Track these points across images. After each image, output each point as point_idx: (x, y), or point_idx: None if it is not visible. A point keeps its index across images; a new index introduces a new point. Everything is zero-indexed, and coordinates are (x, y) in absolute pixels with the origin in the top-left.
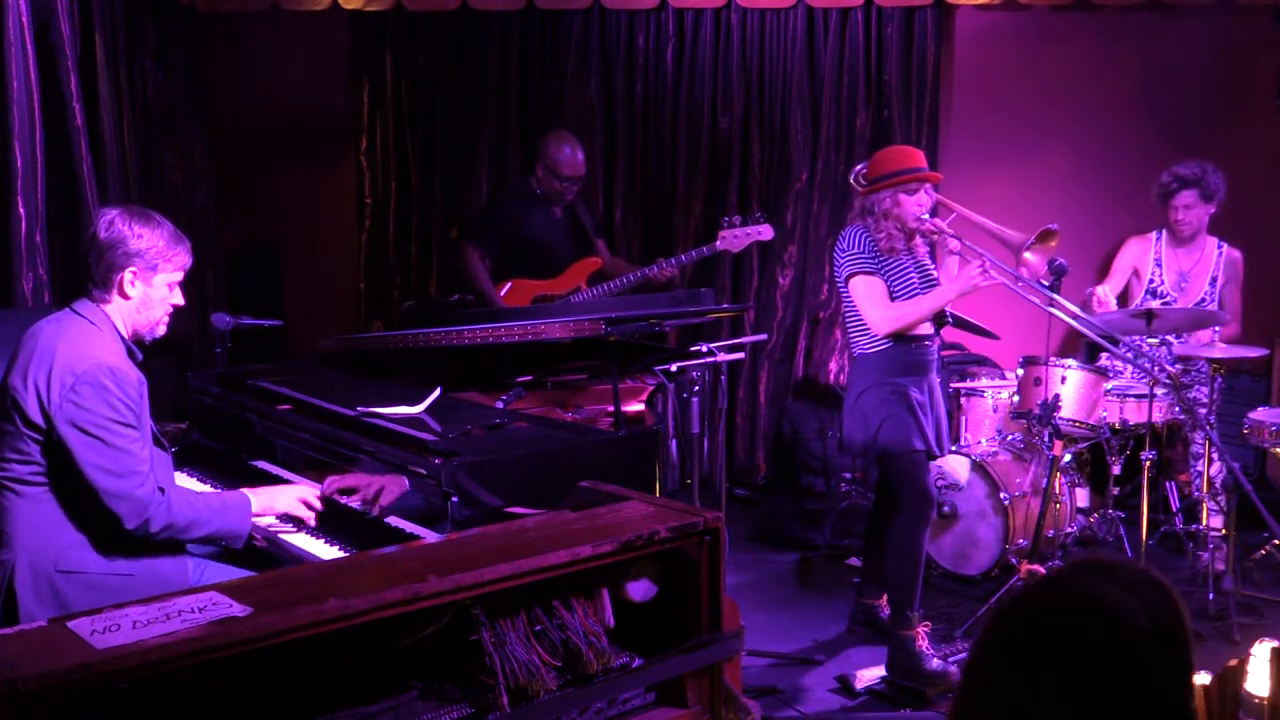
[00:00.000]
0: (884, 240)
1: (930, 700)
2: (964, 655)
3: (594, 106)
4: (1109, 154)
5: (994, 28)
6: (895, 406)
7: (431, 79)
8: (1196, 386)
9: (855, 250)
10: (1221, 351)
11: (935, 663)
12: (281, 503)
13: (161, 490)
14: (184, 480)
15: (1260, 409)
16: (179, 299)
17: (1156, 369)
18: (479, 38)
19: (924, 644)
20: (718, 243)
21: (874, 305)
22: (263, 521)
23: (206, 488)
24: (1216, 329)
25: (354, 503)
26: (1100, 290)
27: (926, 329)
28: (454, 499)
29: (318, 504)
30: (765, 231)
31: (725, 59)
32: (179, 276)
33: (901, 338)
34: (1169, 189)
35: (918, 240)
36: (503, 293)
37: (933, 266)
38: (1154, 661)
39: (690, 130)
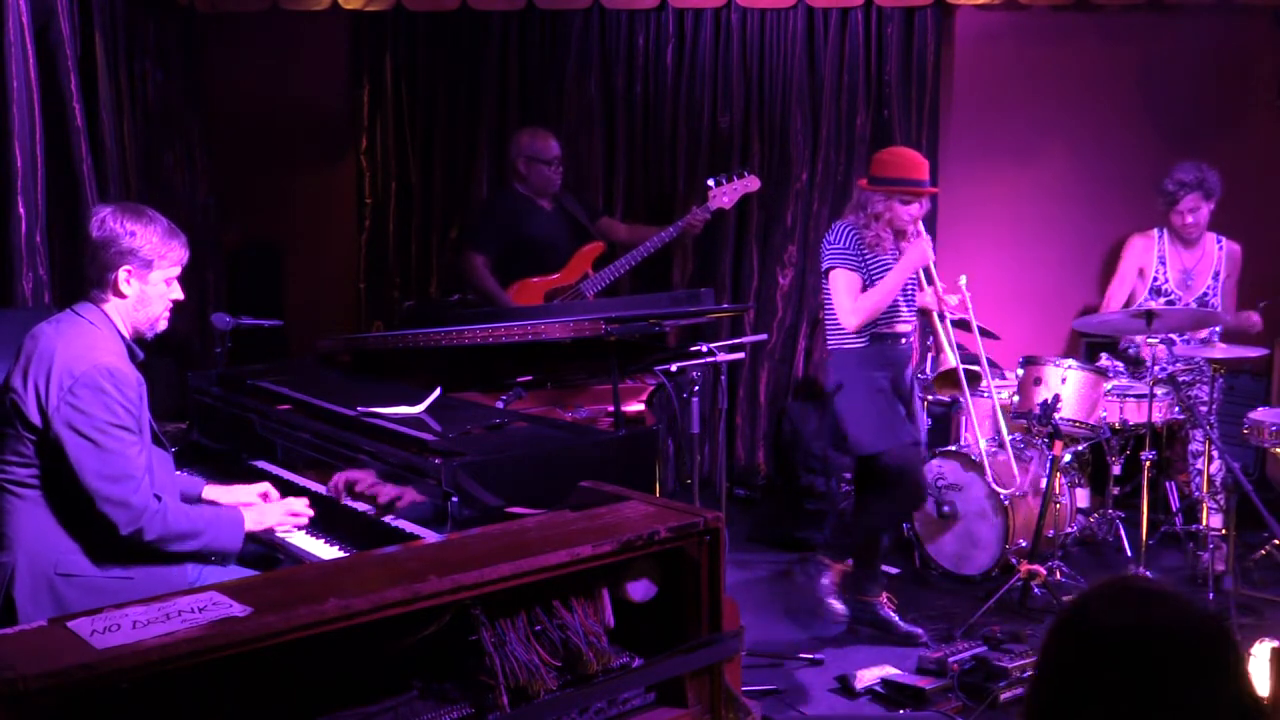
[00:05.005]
0: (871, 238)
1: (930, 700)
2: (964, 654)
3: (594, 106)
4: (1108, 154)
5: (994, 28)
6: (874, 403)
7: (431, 79)
8: (1197, 385)
9: (840, 245)
10: (1221, 351)
11: (904, 626)
12: (271, 518)
13: (158, 498)
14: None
15: (1260, 409)
16: (178, 294)
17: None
18: (479, 38)
19: (889, 610)
20: (710, 203)
21: (847, 298)
22: None
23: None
24: (1216, 329)
25: (361, 505)
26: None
27: (902, 327)
28: (454, 499)
29: (306, 514)
30: (752, 183)
31: (725, 59)
32: (176, 271)
33: (877, 336)
34: (1174, 197)
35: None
36: (510, 294)
37: None
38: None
39: (690, 130)
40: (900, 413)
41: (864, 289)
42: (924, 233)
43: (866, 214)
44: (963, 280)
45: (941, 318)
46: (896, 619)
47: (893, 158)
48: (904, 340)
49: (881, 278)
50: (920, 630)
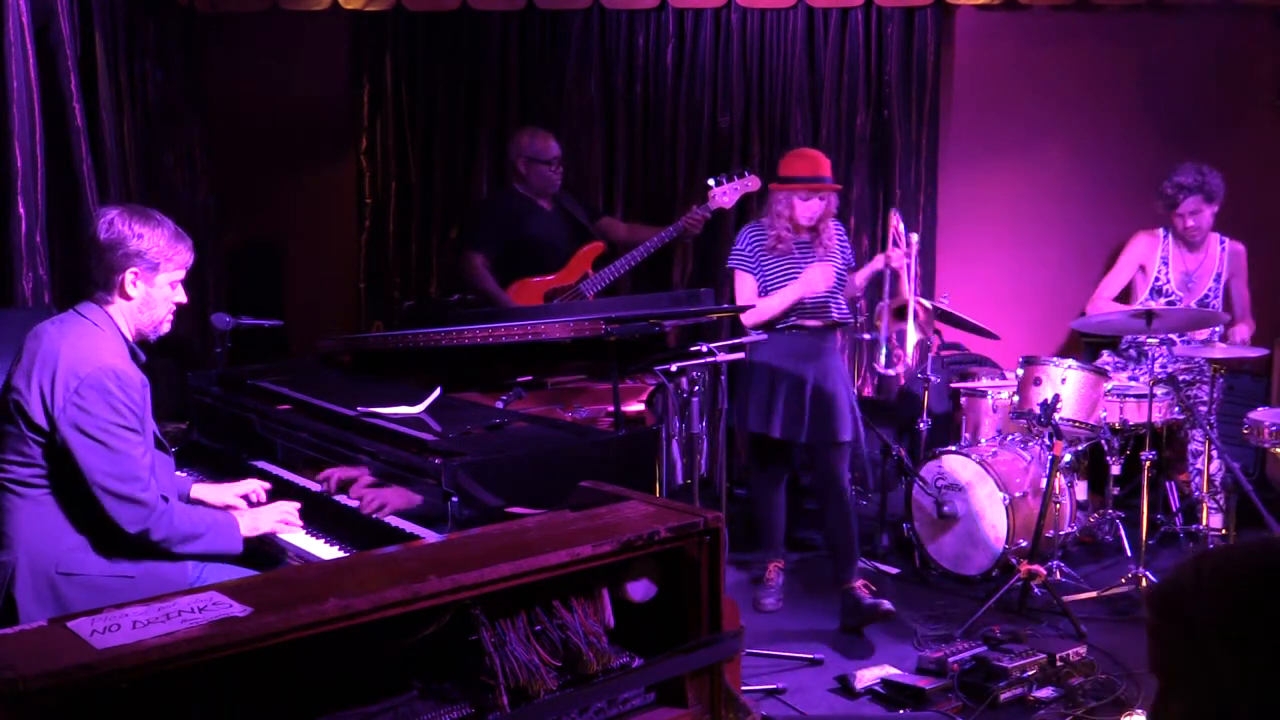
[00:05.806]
0: (772, 239)
1: (930, 700)
2: (964, 654)
3: (594, 106)
4: (1108, 153)
5: (994, 28)
6: (758, 388)
7: (431, 79)
8: (1197, 385)
9: (739, 247)
10: (1221, 351)
11: (869, 600)
12: (265, 523)
13: (165, 499)
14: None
15: (1260, 409)
16: (182, 297)
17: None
18: (479, 38)
19: (862, 592)
20: (710, 202)
21: (742, 300)
22: None
23: (207, 488)
24: (1216, 329)
25: (352, 501)
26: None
27: (811, 323)
28: (454, 499)
29: (297, 521)
30: (752, 182)
31: (725, 59)
32: (181, 275)
33: (775, 330)
34: (1174, 200)
35: (830, 232)
36: (509, 294)
37: (836, 254)
38: None
39: (690, 130)
40: (775, 403)
41: (759, 289)
42: (826, 261)
43: (771, 214)
44: (915, 237)
45: (896, 276)
46: (864, 596)
47: (794, 157)
48: (811, 334)
49: (776, 282)
50: (886, 600)
